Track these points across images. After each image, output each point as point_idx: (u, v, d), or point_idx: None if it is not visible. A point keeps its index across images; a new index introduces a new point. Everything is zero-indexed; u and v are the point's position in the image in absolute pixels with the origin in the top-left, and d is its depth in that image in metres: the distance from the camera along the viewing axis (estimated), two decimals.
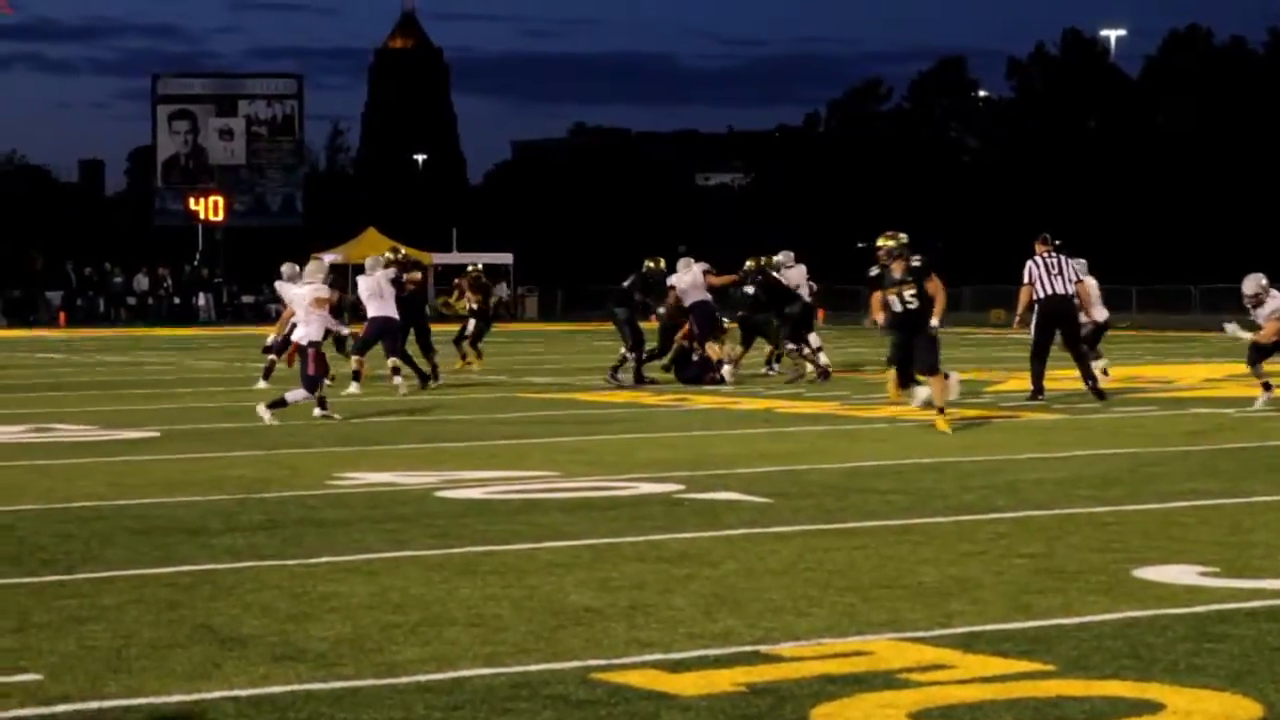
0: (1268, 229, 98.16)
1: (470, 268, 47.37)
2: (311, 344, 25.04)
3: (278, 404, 25.19)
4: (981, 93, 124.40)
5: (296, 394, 25.44)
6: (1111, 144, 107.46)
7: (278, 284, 33.48)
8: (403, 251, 36.75)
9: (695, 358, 34.91)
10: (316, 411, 26.00)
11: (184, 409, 29.76)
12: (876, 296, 24.39)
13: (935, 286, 23.75)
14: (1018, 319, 30.90)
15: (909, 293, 23.65)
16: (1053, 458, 20.05)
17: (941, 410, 23.79)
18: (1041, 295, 29.57)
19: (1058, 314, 29.72)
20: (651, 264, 36.42)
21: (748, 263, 36.62)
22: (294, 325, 26.71)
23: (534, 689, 9.17)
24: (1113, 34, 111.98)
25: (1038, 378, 29.63)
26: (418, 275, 36.35)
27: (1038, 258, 29.80)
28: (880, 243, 23.88)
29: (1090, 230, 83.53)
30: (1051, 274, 29.72)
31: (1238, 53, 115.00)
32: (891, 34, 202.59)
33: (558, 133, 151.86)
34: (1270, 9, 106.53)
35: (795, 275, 36.02)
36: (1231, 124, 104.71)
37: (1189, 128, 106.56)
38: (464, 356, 39.82)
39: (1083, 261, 31.90)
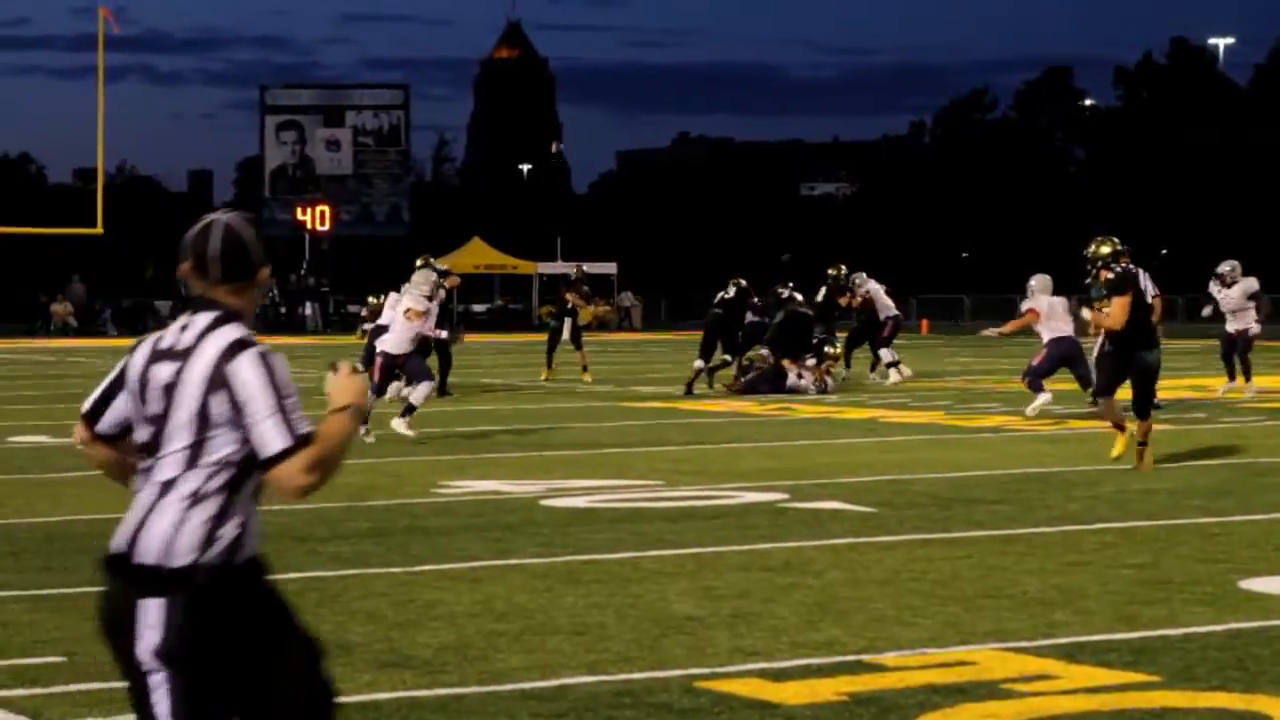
0: None
1: (574, 272, 47.05)
2: (384, 354, 24.80)
3: (408, 410, 24.43)
4: (1088, 101, 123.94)
5: (418, 393, 24.58)
6: (1220, 155, 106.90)
7: None
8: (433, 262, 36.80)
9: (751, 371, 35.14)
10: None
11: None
12: (1085, 313, 21.40)
13: (1116, 304, 19.27)
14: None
15: (1105, 309, 20.75)
16: (1160, 468, 19.94)
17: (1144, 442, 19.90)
18: None
19: None
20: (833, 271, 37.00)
21: (829, 270, 37.00)
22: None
23: (637, 697, 9.21)
24: (1221, 42, 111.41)
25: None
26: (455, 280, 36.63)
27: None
28: (1091, 250, 20.61)
29: (1201, 241, 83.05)
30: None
31: None
32: (997, 43, 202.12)
33: (662, 142, 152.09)
34: None
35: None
36: None
37: None
38: (584, 366, 39.48)
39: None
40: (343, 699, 9.07)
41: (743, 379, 35.22)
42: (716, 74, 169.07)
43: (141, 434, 5.79)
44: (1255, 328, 31.68)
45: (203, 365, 5.62)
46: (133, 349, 5.97)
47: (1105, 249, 19.85)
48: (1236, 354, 31.38)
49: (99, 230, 75.98)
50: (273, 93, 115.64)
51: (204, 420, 5.61)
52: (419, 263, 35.83)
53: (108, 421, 5.98)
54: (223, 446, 5.63)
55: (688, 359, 38.60)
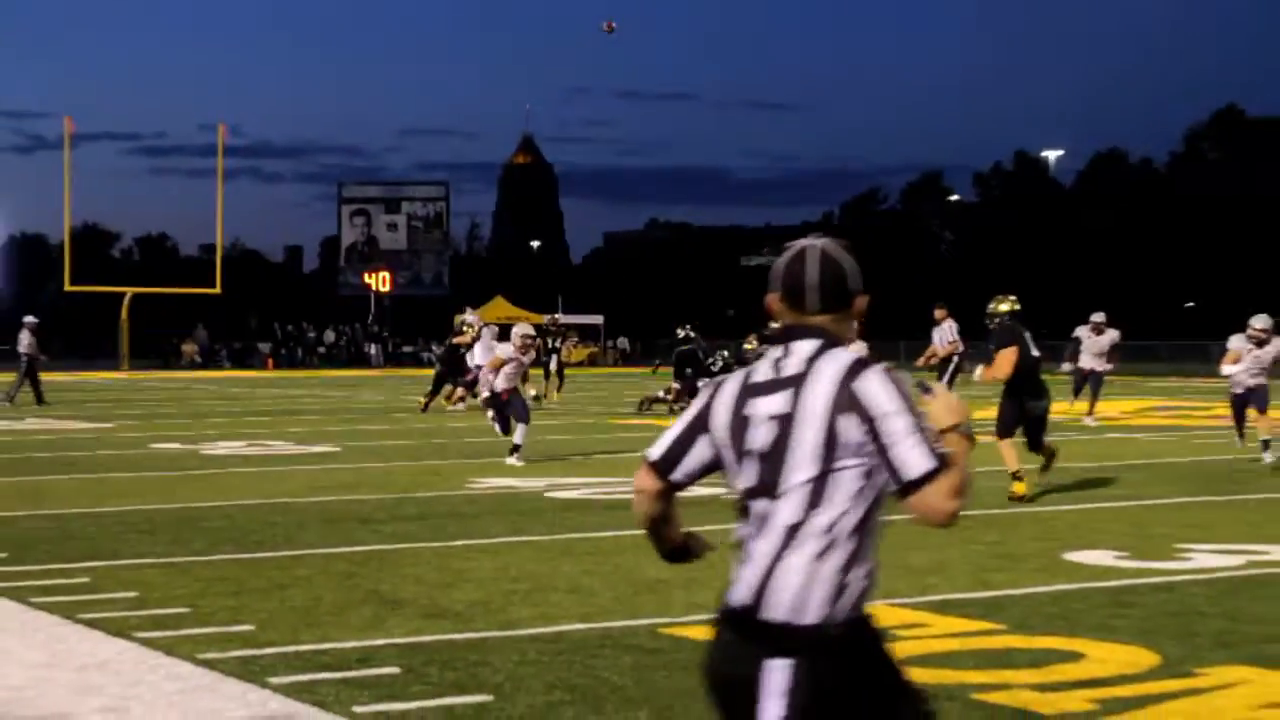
0: (1175, 312, 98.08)
1: (549, 319, 46.57)
2: (492, 391, 22.46)
3: (516, 449, 21.98)
4: (954, 197, 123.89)
5: (519, 434, 21.96)
6: (1051, 238, 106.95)
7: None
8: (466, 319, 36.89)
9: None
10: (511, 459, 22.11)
11: (358, 429, 29.84)
12: (978, 372, 19.65)
13: (1001, 356, 17.16)
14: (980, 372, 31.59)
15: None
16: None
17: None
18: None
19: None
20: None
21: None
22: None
23: (616, 640, 9.21)
24: (1052, 154, 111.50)
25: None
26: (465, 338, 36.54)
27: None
28: (991, 307, 17.50)
29: (1041, 300, 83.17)
30: (942, 339, 31.08)
31: (1146, 169, 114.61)
32: (889, 153, 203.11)
33: (638, 225, 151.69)
34: (1172, 136, 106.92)
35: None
36: (1143, 225, 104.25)
37: (1109, 225, 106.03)
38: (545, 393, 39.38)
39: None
40: (397, 640, 9.14)
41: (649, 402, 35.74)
42: (680, 175, 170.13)
43: (748, 476, 4.32)
44: (1108, 367, 31.27)
45: (825, 387, 4.14)
46: (711, 392, 4.43)
47: (1003, 306, 17.34)
48: (1090, 385, 30.80)
49: (218, 290, 76.14)
50: (348, 188, 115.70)
51: (831, 447, 4.13)
52: (468, 316, 36.02)
53: (684, 469, 4.54)
54: (851, 479, 4.16)
55: (652, 386, 38.45)
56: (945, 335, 31.16)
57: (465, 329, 35.88)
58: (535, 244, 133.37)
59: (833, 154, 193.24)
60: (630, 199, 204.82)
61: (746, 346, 36.75)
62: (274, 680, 8.15)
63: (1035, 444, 17.32)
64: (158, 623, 9.71)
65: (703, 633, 9.35)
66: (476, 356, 33.21)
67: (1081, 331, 31.54)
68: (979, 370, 18.71)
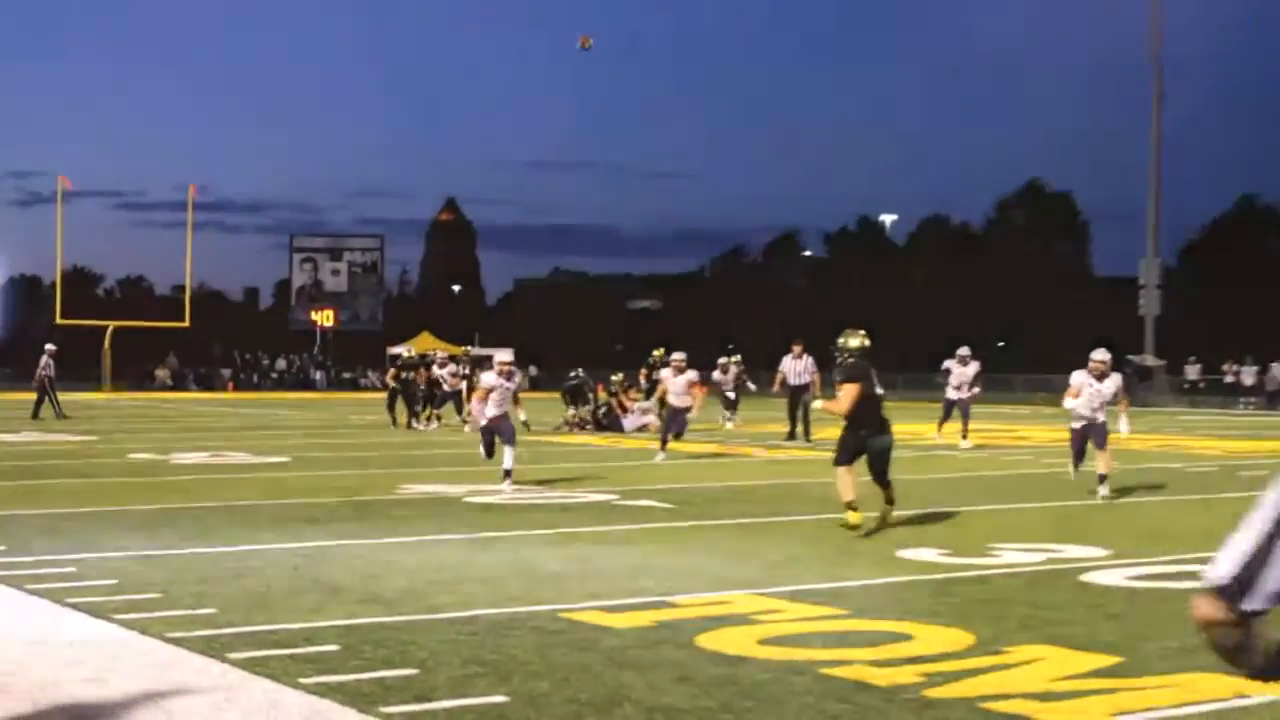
0: (990, 350, 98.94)
1: (464, 351, 45.29)
2: (489, 419, 19.57)
3: (507, 474, 18.96)
4: (807, 253, 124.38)
5: (508, 459, 19.16)
6: (885, 290, 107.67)
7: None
8: (411, 354, 36.87)
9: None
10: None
11: (306, 443, 29.64)
12: (817, 403, 17.80)
13: (844, 391, 14.57)
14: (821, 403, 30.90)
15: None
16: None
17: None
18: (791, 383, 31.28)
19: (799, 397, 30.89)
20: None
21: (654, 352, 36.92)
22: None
23: (522, 622, 9.16)
24: (888, 218, 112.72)
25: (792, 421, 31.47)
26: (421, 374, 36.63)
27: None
28: (841, 341, 14.87)
29: (877, 346, 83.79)
30: (798, 370, 31.20)
31: (965, 231, 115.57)
32: (753, 215, 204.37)
33: (543, 273, 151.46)
34: (986, 203, 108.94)
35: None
36: (960, 278, 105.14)
37: (933, 278, 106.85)
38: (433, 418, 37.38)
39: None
40: (336, 622, 9.08)
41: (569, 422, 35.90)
42: (578, 231, 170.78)
43: None
44: (975, 393, 29.65)
45: None
46: None
47: (853, 342, 14.65)
48: (960, 411, 29.15)
49: (186, 324, 75.64)
50: (298, 239, 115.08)
51: None
52: (430, 351, 35.88)
53: (1267, 592, 2.84)
54: None
55: (561, 411, 38.40)
56: (805, 366, 31.21)
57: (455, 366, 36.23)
58: (456, 288, 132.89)
59: (706, 215, 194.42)
60: (537, 251, 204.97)
61: (615, 379, 37.12)
62: (232, 656, 8.08)
63: (880, 480, 14.80)
64: (133, 606, 9.59)
65: (595, 617, 9.37)
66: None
67: (950, 364, 29.94)
68: (819, 402, 16.88)
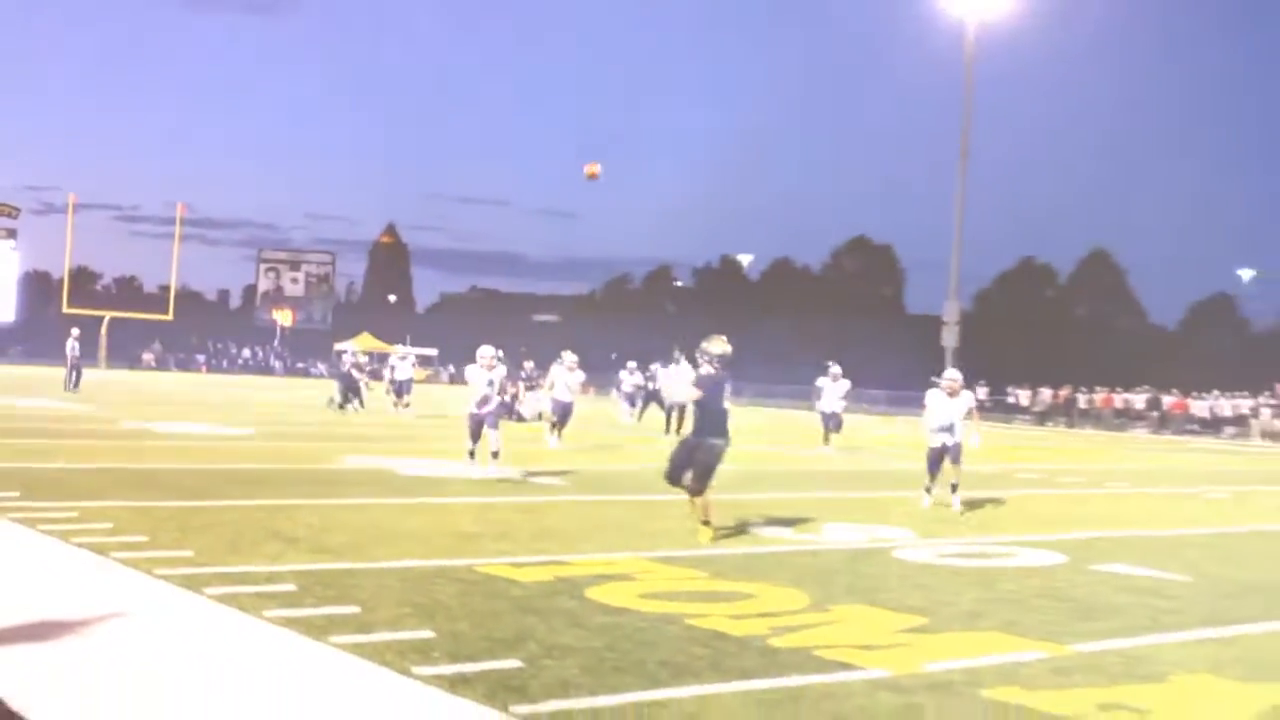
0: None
1: (399, 349, 45.36)
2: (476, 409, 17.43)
3: (494, 454, 17.23)
4: (678, 283, 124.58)
5: (494, 441, 17.34)
6: (743, 321, 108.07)
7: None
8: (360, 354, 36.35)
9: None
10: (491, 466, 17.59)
11: (268, 416, 29.26)
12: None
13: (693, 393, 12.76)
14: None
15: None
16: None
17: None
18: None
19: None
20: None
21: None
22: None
23: (445, 573, 9.12)
24: (745, 257, 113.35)
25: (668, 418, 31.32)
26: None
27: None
28: (705, 344, 12.62)
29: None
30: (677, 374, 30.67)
31: (807, 272, 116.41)
32: (634, 249, 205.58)
33: (464, 289, 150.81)
34: (823, 250, 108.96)
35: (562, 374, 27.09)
36: (810, 315, 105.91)
37: (790, 314, 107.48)
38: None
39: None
40: (294, 567, 8.98)
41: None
42: (494, 256, 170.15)
43: None
44: (844, 405, 28.28)
45: None
46: None
47: (715, 349, 12.44)
48: (830, 423, 27.75)
49: (170, 317, 74.54)
50: (265, 252, 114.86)
51: None
52: (399, 349, 35.24)
53: None
54: None
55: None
56: (684, 371, 31.24)
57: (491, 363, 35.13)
58: (392, 298, 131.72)
59: (598, 247, 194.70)
60: (460, 270, 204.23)
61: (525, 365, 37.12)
62: (208, 591, 7.97)
63: (696, 489, 12.03)
64: (126, 547, 9.43)
65: (505, 571, 9.34)
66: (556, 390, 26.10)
67: (822, 381, 28.37)
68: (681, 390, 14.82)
